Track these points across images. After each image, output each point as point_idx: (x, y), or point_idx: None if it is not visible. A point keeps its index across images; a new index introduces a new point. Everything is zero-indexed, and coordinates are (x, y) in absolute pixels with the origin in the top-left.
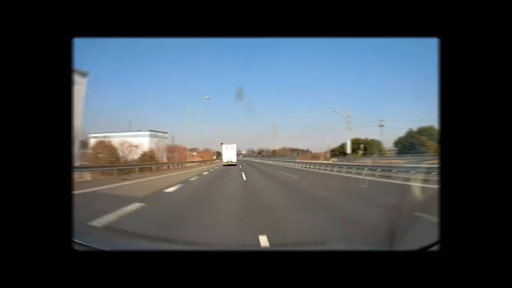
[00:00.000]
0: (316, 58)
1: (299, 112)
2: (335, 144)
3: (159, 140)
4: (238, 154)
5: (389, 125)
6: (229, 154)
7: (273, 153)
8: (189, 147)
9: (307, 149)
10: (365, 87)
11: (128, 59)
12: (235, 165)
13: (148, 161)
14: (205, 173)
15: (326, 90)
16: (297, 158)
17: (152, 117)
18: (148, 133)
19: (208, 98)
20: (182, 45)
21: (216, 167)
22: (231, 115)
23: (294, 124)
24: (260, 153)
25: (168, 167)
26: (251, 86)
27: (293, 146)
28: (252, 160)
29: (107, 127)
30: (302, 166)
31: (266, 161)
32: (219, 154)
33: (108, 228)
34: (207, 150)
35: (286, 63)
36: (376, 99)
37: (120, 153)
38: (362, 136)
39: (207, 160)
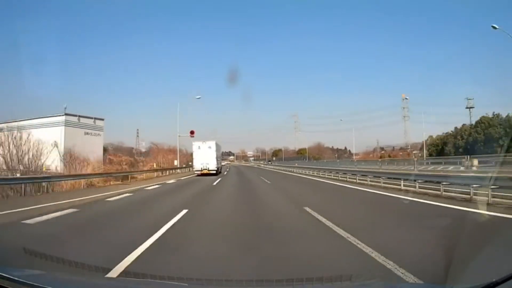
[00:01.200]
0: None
1: (325, 99)
2: (385, 139)
3: (87, 133)
4: (241, 157)
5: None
6: (205, 156)
7: (300, 154)
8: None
9: (345, 148)
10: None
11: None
12: (214, 173)
13: None
14: None
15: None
16: (355, 163)
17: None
18: (60, 118)
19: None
20: None
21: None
22: (227, 104)
23: (317, 115)
24: (277, 154)
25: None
26: (251, 63)
27: (319, 144)
28: (263, 166)
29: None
30: None
31: (300, 171)
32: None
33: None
34: (171, 150)
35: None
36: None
37: None
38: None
39: (152, 170)
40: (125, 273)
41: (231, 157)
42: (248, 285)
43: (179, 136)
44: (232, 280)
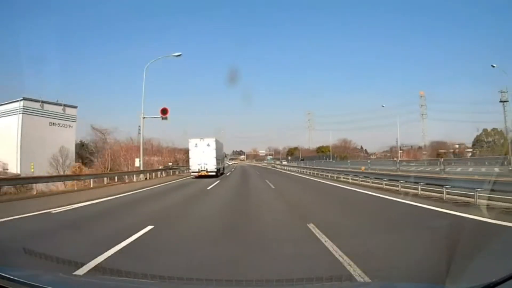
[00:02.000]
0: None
1: (335, 97)
2: (406, 138)
3: (53, 123)
4: (252, 156)
5: None
6: (202, 155)
7: (321, 152)
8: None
9: (361, 147)
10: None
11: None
12: (215, 175)
13: None
14: None
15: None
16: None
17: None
18: (17, 104)
19: None
20: None
21: None
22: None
23: (328, 114)
24: (292, 153)
25: None
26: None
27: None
28: (279, 168)
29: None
30: None
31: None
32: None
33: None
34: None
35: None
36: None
37: None
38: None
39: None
40: (125, 273)
41: (242, 156)
42: (248, 285)
43: (143, 117)
44: (232, 280)
